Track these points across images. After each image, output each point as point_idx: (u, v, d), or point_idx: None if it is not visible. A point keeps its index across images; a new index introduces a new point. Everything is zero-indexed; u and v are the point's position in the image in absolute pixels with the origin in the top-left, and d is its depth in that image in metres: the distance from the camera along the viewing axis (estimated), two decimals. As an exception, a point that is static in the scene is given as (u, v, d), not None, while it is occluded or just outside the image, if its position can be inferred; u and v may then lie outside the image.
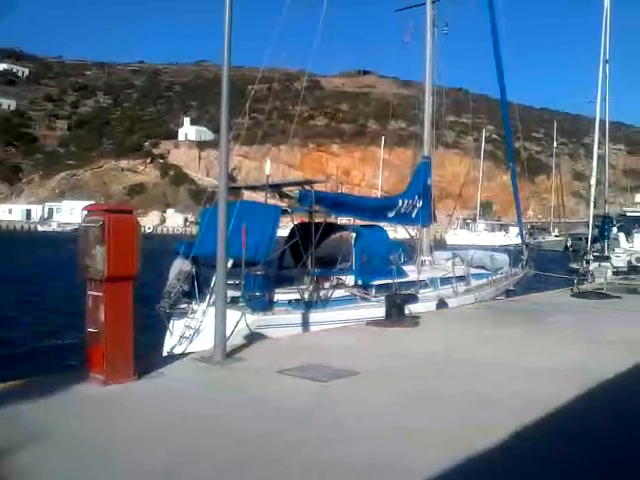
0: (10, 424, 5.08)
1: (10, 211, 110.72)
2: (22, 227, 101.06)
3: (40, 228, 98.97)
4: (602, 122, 33.15)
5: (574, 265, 24.08)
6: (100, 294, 6.27)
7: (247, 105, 13.18)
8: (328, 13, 15.19)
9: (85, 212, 6.76)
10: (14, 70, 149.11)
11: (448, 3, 18.88)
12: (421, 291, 13.69)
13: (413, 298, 12.08)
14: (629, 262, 28.10)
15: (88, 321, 6.41)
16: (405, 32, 18.12)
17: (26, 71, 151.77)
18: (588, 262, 22.69)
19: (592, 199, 33.15)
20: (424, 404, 5.93)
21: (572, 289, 16.06)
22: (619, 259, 28.32)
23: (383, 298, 11.43)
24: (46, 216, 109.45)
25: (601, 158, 35.31)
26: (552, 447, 4.79)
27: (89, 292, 6.42)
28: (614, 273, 24.75)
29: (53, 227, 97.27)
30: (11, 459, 4.35)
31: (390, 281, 12.80)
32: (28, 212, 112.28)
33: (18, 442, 4.62)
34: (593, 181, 33.16)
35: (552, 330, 10.31)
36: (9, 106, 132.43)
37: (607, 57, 31.82)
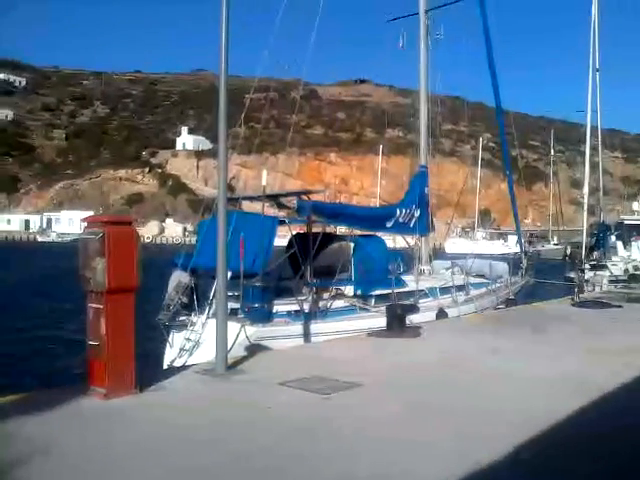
0: (10, 439, 5.03)
1: (9, 221, 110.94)
2: (21, 237, 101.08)
3: (39, 238, 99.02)
4: (598, 130, 33.29)
5: (571, 274, 24.04)
6: (101, 306, 6.24)
7: (243, 114, 13.16)
8: (323, 22, 15.28)
9: (84, 224, 6.74)
10: (11, 80, 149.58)
11: (441, 13, 18.88)
12: (420, 301, 13.63)
13: (414, 308, 12.04)
14: (626, 270, 28.09)
15: (89, 334, 6.37)
16: (399, 38, 18.23)
17: (23, 81, 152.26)
18: (583, 271, 22.64)
19: (585, 207, 33.19)
20: (428, 416, 5.91)
21: (572, 298, 16.01)
22: (616, 267, 28.31)
23: (383, 308, 11.39)
24: (45, 226, 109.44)
25: (596, 166, 35.43)
26: (556, 460, 4.76)
27: (90, 304, 6.38)
28: (612, 282, 24.73)
29: (52, 237, 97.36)
30: (11, 474, 4.31)
31: (389, 291, 12.77)
32: (27, 222, 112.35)
33: (18, 457, 4.58)
34: (586, 189, 33.21)
35: (554, 340, 10.25)
36: (6, 116, 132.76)
37: (597, 66, 31.99)
